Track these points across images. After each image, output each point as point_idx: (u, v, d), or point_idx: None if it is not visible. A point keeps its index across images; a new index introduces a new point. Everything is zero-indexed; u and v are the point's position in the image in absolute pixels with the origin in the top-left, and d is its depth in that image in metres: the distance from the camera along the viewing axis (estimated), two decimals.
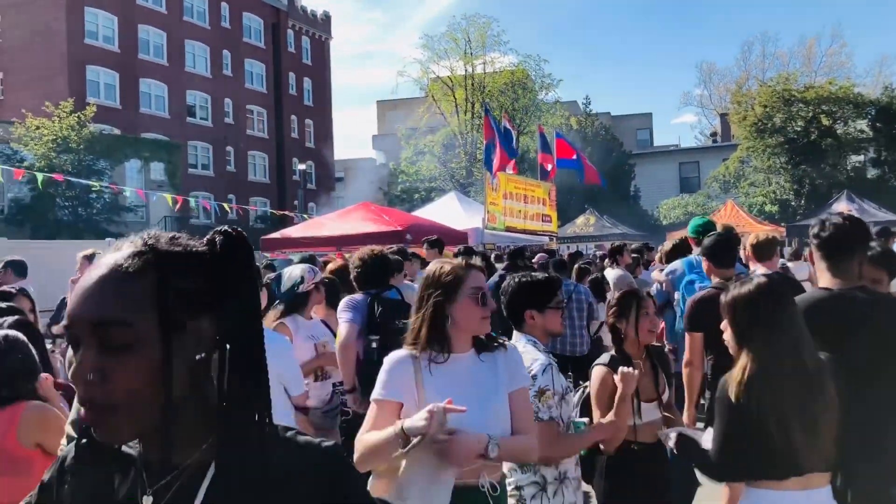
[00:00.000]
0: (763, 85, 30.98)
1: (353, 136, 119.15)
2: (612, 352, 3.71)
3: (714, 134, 47.51)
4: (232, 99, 45.00)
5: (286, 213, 20.44)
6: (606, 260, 11.16)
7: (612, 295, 8.66)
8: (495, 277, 8.45)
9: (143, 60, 39.17)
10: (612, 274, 9.15)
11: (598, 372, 3.62)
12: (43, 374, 2.98)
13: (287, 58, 49.92)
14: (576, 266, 8.67)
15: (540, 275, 3.46)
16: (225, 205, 19.30)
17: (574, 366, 8.21)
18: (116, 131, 34.71)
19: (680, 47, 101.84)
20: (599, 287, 8.53)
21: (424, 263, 8.72)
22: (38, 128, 26.83)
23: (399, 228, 13.07)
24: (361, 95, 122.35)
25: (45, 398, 2.90)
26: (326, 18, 54.86)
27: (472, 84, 36.72)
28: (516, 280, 3.42)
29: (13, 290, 4.76)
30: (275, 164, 47.67)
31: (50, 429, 2.79)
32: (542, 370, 3.12)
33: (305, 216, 19.81)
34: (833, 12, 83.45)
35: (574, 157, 17.17)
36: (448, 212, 16.93)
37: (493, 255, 11.65)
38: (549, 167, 17.06)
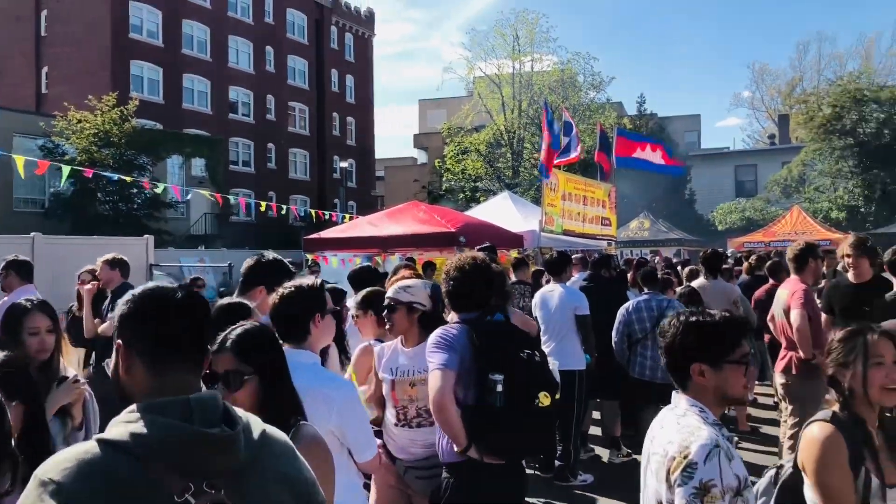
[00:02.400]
0: (833, 84, 29.34)
1: (393, 135, 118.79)
2: (834, 408, 2.63)
3: (772, 136, 45.75)
4: (274, 95, 44.53)
5: (325, 213, 19.43)
6: (687, 268, 10.05)
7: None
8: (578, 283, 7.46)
9: (187, 55, 38.79)
10: (707, 286, 8.03)
11: (820, 433, 2.54)
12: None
13: (330, 54, 49.47)
14: (648, 275, 7.48)
15: (716, 314, 2.41)
16: (263, 203, 18.39)
17: (663, 394, 7.15)
18: (159, 126, 34.29)
19: (728, 47, 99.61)
20: (696, 301, 7.41)
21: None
22: (79, 121, 26.38)
23: (452, 230, 12.09)
24: (402, 94, 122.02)
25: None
26: (370, 15, 54.22)
27: (520, 82, 35.54)
28: (682, 319, 2.39)
29: (27, 306, 3.45)
30: (316, 162, 47.05)
31: None
32: (706, 455, 2.14)
33: (347, 216, 18.84)
34: (893, 11, 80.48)
35: (634, 153, 15.91)
36: (502, 213, 15.92)
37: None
38: (607, 166, 15.90)
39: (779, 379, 5.82)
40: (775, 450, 7.59)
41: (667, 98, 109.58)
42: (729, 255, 18.47)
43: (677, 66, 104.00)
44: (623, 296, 7.55)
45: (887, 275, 5.81)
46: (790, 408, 5.65)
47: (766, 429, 8.63)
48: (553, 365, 6.79)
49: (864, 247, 5.71)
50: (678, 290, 7.73)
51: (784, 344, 5.75)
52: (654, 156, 16.08)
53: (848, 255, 5.74)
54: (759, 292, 9.08)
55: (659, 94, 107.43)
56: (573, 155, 14.93)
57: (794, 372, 5.60)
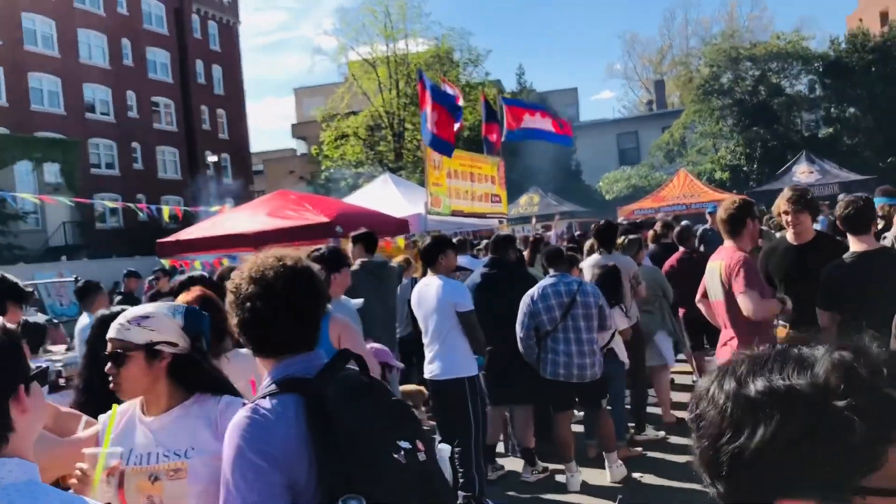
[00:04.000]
0: (708, 44, 29.40)
1: (272, 128, 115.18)
2: None
3: (650, 102, 46.17)
4: (135, 91, 41.58)
5: (183, 209, 17.57)
6: (588, 242, 9.02)
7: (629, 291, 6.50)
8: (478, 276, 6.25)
9: (31, 52, 35.42)
10: (595, 261, 6.97)
11: None
12: None
13: (193, 44, 46.70)
14: (553, 254, 6.28)
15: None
16: (110, 203, 16.45)
17: (583, 396, 6.05)
18: (5, 131, 31.13)
19: (601, 18, 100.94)
20: (614, 283, 6.34)
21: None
22: None
23: (326, 220, 10.69)
24: (278, 86, 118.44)
25: None
26: (233, 1, 51.50)
27: (395, 60, 34.18)
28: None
29: None
30: (186, 160, 44.30)
31: None
32: None
33: (214, 209, 16.98)
34: None
35: (523, 122, 14.85)
36: (384, 197, 14.61)
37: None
38: (494, 137, 14.80)
39: None
40: None
41: (543, 74, 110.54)
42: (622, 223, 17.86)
43: (553, 39, 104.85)
44: (531, 280, 6.38)
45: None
46: None
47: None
48: (433, 372, 5.55)
49: (803, 200, 4.72)
50: (587, 272, 6.66)
51: (729, 329, 4.65)
52: (545, 123, 15.06)
53: (786, 212, 4.76)
54: (669, 262, 8.17)
55: (536, 70, 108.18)
56: (454, 130, 13.76)
57: None
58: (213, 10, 49.09)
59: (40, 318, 8.85)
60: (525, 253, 9.26)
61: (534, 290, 5.85)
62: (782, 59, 27.78)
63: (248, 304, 1.98)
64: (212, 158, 33.39)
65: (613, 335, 6.09)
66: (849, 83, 27.66)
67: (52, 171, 31.52)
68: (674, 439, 6.92)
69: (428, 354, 5.54)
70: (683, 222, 8.30)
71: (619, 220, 21.10)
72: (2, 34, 33.97)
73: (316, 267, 2.14)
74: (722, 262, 4.60)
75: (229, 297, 2.06)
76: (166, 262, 11.99)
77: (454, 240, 7.15)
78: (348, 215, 11.33)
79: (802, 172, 21.85)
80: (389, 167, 30.35)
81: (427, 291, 5.55)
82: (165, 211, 17.45)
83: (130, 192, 37.99)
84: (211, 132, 46.90)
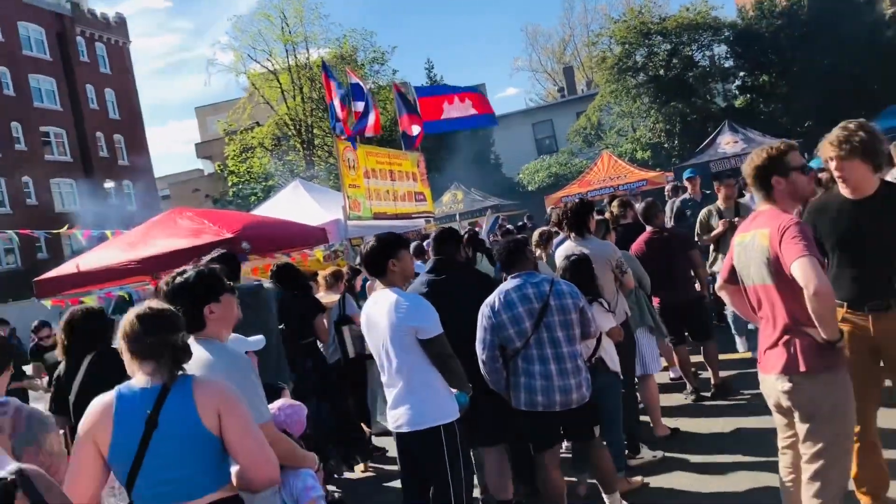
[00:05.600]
0: (616, 22, 28.69)
1: (179, 152, 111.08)
2: None
3: (561, 89, 45.57)
4: (20, 122, 38.65)
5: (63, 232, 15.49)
6: (537, 232, 7.79)
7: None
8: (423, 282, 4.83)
9: None
10: (568, 250, 5.66)
11: None
12: None
13: (82, 69, 43.94)
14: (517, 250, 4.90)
15: None
16: (12, 233, 14.46)
17: (570, 425, 4.73)
18: None
19: (504, 12, 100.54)
20: (587, 273, 5.06)
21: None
22: None
23: (230, 235, 9.15)
24: (179, 109, 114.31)
25: None
26: (121, 20, 48.87)
27: (297, 65, 32.48)
28: None
29: None
30: (85, 190, 41.50)
31: None
32: None
33: (109, 234, 14.93)
34: None
35: (442, 113, 13.60)
36: (295, 206, 13.14)
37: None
38: (417, 131, 13.45)
39: (780, 384, 3.42)
40: (729, 460, 5.47)
41: (450, 72, 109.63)
42: (548, 212, 16.81)
43: (456, 39, 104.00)
44: (490, 283, 5.02)
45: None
46: (806, 427, 3.34)
47: (691, 425, 6.51)
48: (398, 423, 3.89)
49: (852, 143, 3.53)
50: (560, 263, 5.37)
51: (781, 321, 3.37)
52: (465, 107, 13.81)
53: (830, 159, 3.59)
54: (637, 245, 7.00)
55: (442, 68, 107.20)
56: (370, 122, 12.42)
57: (803, 368, 3.28)
58: (100, 31, 46.45)
59: None
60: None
61: (494, 298, 4.48)
62: (692, 30, 27.27)
63: None
64: (108, 185, 31.03)
65: (600, 340, 4.82)
66: (760, 50, 27.37)
67: None
68: (672, 455, 5.73)
69: (389, 397, 4.09)
70: (647, 198, 7.15)
71: (548, 207, 20.18)
72: None
73: None
74: (763, 232, 3.35)
75: None
76: (48, 303, 10.20)
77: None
78: (256, 228, 9.84)
79: (727, 143, 21.23)
80: (302, 177, 28.71)
81: (376, 312, 4.09)
82: (66, 230, 15.14)
83: (25, 228, 35.24)
84: (109, 158, 44.20)
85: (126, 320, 2.60)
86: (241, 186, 31.85)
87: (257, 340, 3.79)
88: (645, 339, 6.23)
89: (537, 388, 4.37)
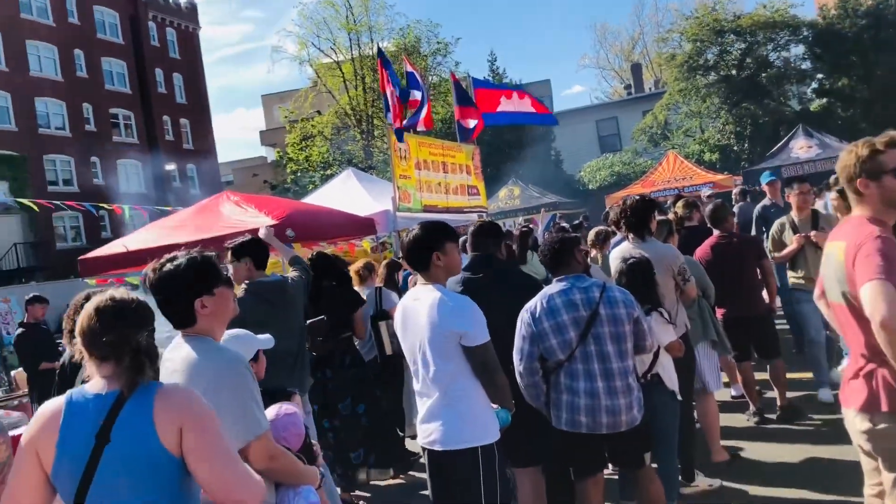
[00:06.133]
0: (689, 18, 27.67)
1: (246, 139, 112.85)
2: None
3: (628, 87, 44.49)
4: (92, 103, 39.50)
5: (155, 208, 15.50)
6: (593, 231, 7.26)
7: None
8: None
9: None
10: (625, 252, 5.11)
11: None
12: None
13: (151, 52, 44.69)
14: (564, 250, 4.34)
15: None
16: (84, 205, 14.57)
17: (617, 450, 4.23)
18: None
19: (571, 12, 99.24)
20: (645, 280, 4.52)
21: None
22: None
23: (274, 222, 8.87)
24: (248, 96, 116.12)
25: None
26: (192, 7, 49.54)
27: (360, 55, 32.33)
28: None
29: None
30: (150, 172, 42.22)
31: None
32: None
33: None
34: None
35: (499, 105, 13.10)
36: (347, 195, 12.85)
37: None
38: (474, 123, 12.96)
39: (858, 422, 2.90)
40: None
41: (515, 67, 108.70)
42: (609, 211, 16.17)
43: (523, 35, 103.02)
44: (533, 286, 4.52)
45: None
46: (892, 477, 2.79)
47: (753, 450, 5.93)
48: (431, 439, 3.17)
49: None
50: (615, 266, 4.84)
51: (855, 350, 2.85)
52: (523, 104, 13.28)
53: None
54: (702, 251, 6.42)
55: (507, 63, 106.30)
56: (423, 115, 12.02)
57: (885, 408, 2.73)
58: (171, 16, 47.17)
59: None
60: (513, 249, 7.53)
61: (535, 303, 4.00)
62: (769, 29, 26.08)
63: None
64: (169, 166, 31.37)
65: (657, 355, 4.30)
66: (841, 52, 26.04)
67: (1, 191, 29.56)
68: (731, 484, 5.16)
69: (421, 409, 3.59)
70: (716, 199, 6.55)
71: (607, 208, 19.52)
72: None
73: None
74: (840, 244, 2.83)
75: None
76: (92, 282, 10.10)
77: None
78: (302, 216, 9.55)
79: (801, 147, 20.21)
80: (360, 167, 28.59)
81: (415, 311, 3.61)
82: (126, 210, 15.27)
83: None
84: (175, 142, 44.87)
85: (84, 313, 2.18)
86: (299, 174, 31.88)
87: (266, 339, 3.40)
88: (705, 354, 5.66)
89: (581, 408, 3.87)
